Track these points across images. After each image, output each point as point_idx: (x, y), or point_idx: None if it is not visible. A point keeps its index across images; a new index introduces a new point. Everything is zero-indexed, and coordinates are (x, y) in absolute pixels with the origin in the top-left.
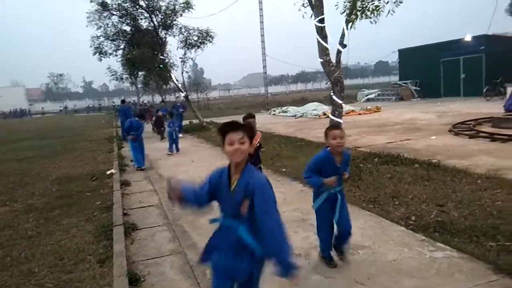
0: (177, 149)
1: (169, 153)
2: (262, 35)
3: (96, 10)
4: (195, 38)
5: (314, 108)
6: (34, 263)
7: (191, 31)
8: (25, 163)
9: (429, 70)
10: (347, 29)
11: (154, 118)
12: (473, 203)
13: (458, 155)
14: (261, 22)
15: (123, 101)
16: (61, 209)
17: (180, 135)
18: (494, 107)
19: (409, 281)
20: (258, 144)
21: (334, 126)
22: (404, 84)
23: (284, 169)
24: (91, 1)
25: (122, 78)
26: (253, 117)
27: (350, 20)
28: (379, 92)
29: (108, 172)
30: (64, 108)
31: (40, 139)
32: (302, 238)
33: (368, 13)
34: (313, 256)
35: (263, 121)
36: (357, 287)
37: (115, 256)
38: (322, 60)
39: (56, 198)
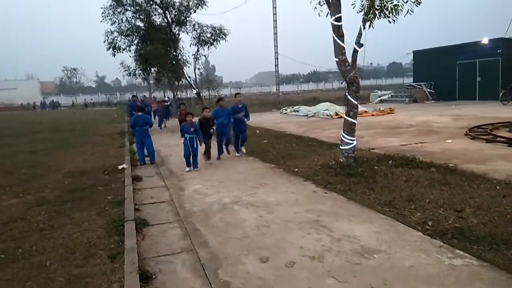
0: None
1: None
2: (275, 33)
3: (110, 5)
4: (208, 35)
5: (326, 108)
6: (46, 256)
7: (204, 28)
8: (37, 156)
9: (444, 72)
10: (364, 28)
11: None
12: (492, 210)
13: (476, 159)
14: (275, 20)
15: (133, 97)
16: (73, 203)
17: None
18: (511, 112)
19: None
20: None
21: None
22: (418, 86)
23: (296, 169)
24: None
25: (135, 74)
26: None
27: (367, 19)
28: (392, 94)
29: (120, 167)
30: (87, 103)
31: (52, 132)
32: (315, 240)
33: (387, 12)
34: (327, 259)
35: (274, 120)
36: None
37: (127, 252)
38: (338, 59)
39: (68, 191)
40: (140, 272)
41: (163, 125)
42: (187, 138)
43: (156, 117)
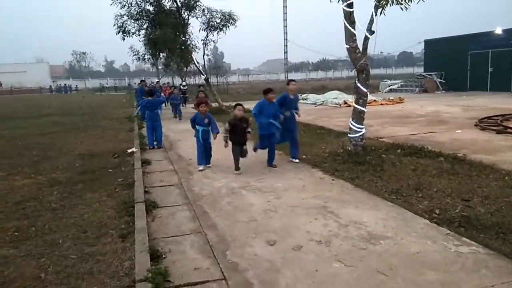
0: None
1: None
2: (285, 20)
3: None
4: (218, 21)
5: (335, 96)
6: (58, 235)
7: (214, 13)
8: (48, 138)
9: (455, 62)
10: (376, 15)
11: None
12: (500, 200)
13: (485, 150)
14: (285, 6)
15: (142, 81)
16: (84, 184)
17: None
18: None
19: (433, 274)
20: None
21: None
22: (428, 76)
23: (304, 156)
24: None
25: (144, 59)
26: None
27: (380, 5)
28: (402, 83)
29: (129, 151)
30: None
31: (63, 116)
32: (322, 225)
33: None
34: (333, 244)
35: None
36: (379, 277)
37: (137, 232)
38: (348, 46)
39: (79, 173)
40: (150, 251)
41: (177, 116)
42: (200, 131)
43: (171, 104)
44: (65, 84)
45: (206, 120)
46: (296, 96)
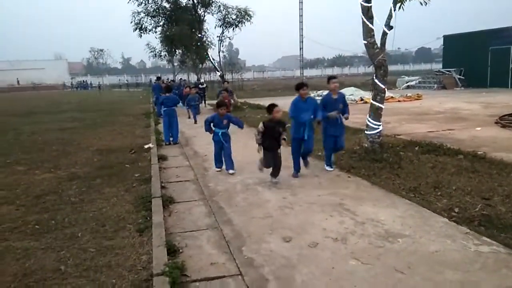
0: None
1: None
2: (301, 16)
3: None
4: (233, 17)
5: (351, 93)
6: (77, 228)
7: (229, 10)
8: (67, 134)
9: (475, 58)
10: (394, 10)
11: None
12: None
13: (506, 148)
14: (300, 2)
15: (158, 78)
16: (102, 179)
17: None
18: None
19: (452, 274)
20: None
21: None
22: (447, 72)
23: (320, 153)
24: None
25: (160, 55)
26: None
27: (398, 0)
28: (420, 80)
29: (146, 146)
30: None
31: (81, 112)
32: (338, 222)
33: None
34: (350, 241)
35: None
36: (396, 276)
37: (154, 226)
38: (366, 42)
39: (97, 168)
40: (167, 246)
41: (194, 118)
42: (219, 134)
43: (187, 106)
44: (85, 81)
45: (225, 121)
46: (341, 95)
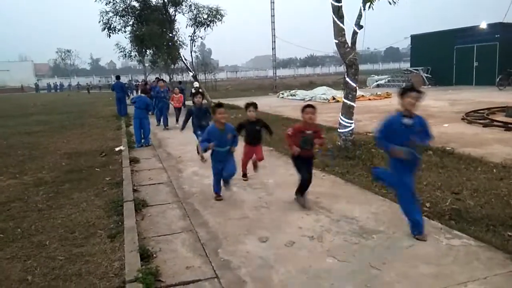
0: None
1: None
2: (273, 16)
3: None
4: (205, 16)
5: (323, 92)
6: (45, 236)
7: (200, 9)
8: (33, 137)
9: (441, 57)
10: (364, 9)
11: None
12: (489, 192)
13: (472, 143)
14: (272, 2)
15: (118, 77)
16: (71, 184)
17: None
18: (508, 97)
19: (426, 268)
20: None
21: None
22: (415, 71)
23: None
24: None
25: (130, 56)
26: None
27: (368, 0)
28: (389, 78)
29: (117, 149)
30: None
31: (48, 114)
32: (314, 220)
33: None
34: (326, 239)
35: (271, 104)
36: (372, 272)
37: (126, 231)
38: (337, 41)
39: (65, 173)
40: (140, 251)
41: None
42: (219, 153)
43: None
44: (61, 82)
45: (229, 136)
46: (420, 120)
